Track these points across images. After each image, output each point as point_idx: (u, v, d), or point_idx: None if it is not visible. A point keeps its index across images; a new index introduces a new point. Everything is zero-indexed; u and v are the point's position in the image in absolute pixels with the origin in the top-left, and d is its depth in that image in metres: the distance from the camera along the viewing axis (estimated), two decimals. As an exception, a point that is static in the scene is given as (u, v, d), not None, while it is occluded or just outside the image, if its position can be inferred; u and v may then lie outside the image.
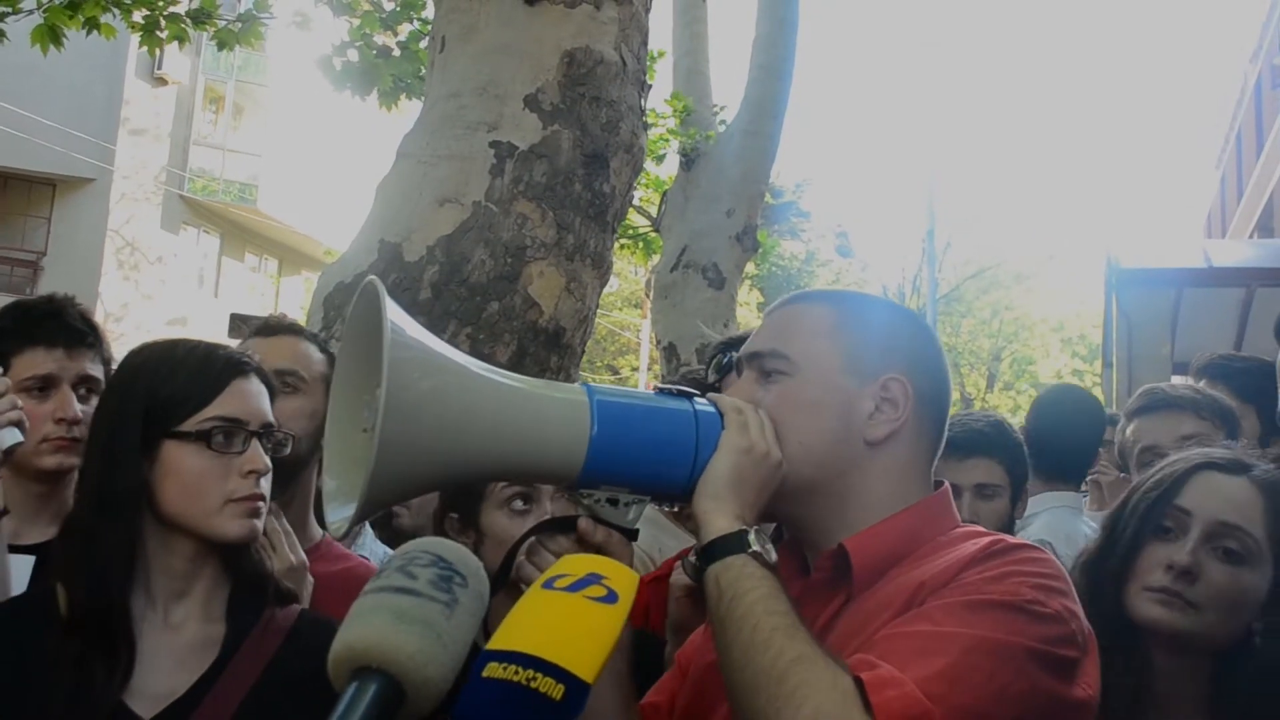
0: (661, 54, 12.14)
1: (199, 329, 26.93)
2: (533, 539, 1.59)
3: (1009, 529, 3.01)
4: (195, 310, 27.89)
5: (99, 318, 2.74)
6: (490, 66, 4.24)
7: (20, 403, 2.28)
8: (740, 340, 2.51)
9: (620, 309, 35.52)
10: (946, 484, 1.68)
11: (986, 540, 1.52)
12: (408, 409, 1.33)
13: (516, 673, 1.15)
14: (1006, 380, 39.68)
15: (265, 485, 1.89)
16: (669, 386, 1.58)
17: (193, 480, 1.83)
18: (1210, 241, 21.21)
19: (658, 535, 3.16)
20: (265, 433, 1.91)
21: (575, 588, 1.27)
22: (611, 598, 1.26)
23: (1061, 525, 3.63)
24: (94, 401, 2.61)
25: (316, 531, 2.48)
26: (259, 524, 1.88)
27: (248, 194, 29.53)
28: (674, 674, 1.78)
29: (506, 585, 1.61)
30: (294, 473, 2.47)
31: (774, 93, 10.58)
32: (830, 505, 1.57)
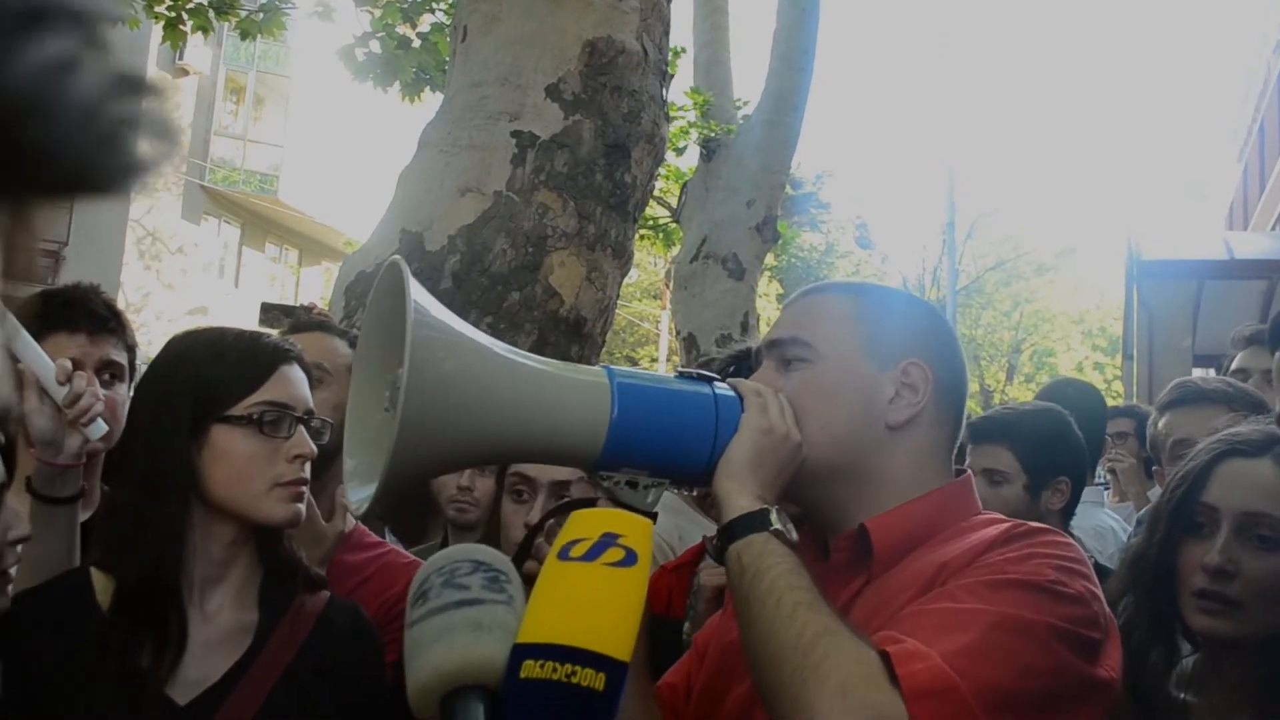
0: (682, 51, 12.13)
1: (219, 319, 27.04)
2: (551, 521, 1.59)
3: (1030, 518, 3.00)
4: (216, 300, 28.02)
5: (119, 307, 2.76)
6: (512, 56, 4.24)
7: (101, 393, 2.30)
8: (749, 354, 2.52)
9: (640, 300, 35.51)
10: (970, 471, 1.69)
11: (1008, 524, 1.53)
12: (429, 388, 1.33)
13: (555, 670, 1.14)
14: (1027, 373, 39.50)
15: (308, 470, 1.92)
16: (689, 371, 1.58)
17: (241, 464, 1.86)
18: (1232, 233, 21.09)
19: (678, 522, 3.17)
20: (308, 419, 1.94)
21: (592, 554, 1.26)
22: (630, 559, 1.26)
23: (1085, 520, 3.63)
24: (117, 387, 2.63)
25: (349, 521, 2.50)
26: (302, 508, 1.91)
27: (268, 184, 29.63)
28: (691, 655, 1.79)
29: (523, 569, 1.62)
30: (325, 463, 2.49)
31: (794, 84, 10.56)
32: (851, 489, 1.58)
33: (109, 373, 2.61)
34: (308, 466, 1.92)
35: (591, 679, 1.13)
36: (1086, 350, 40.14)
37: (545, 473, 2.31)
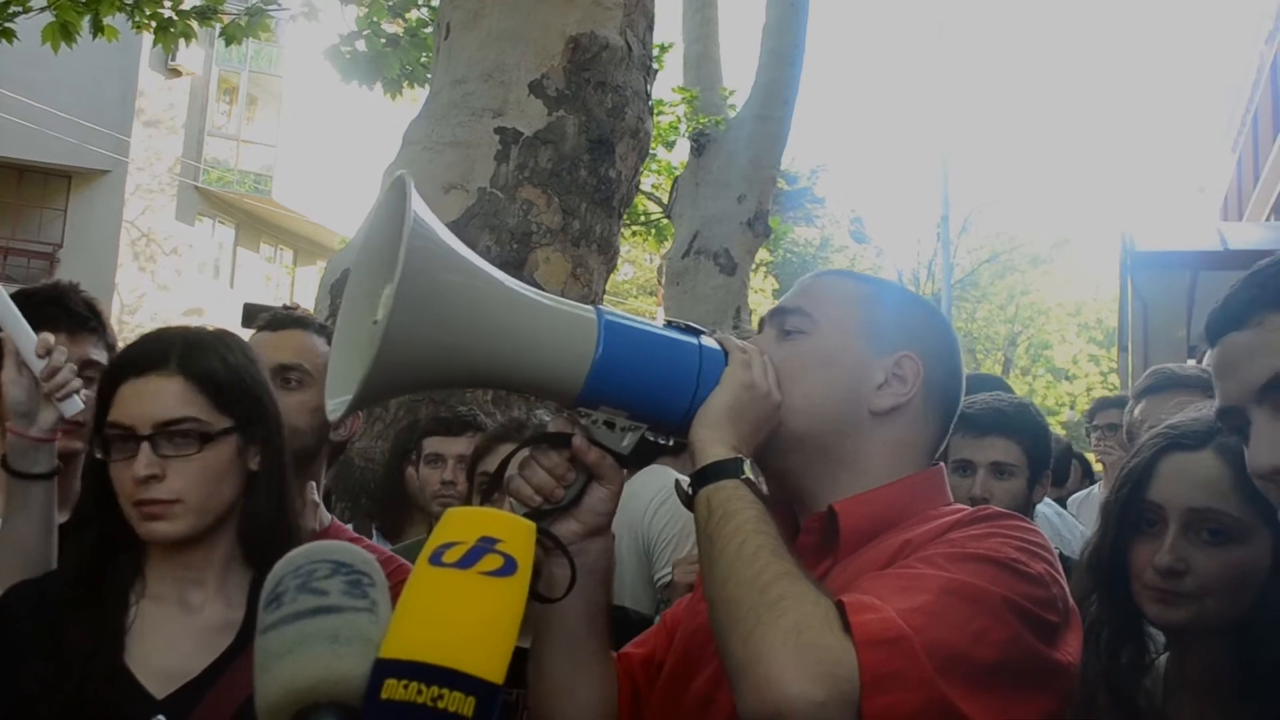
0: (670, 46, 12.13)
1: (215, 319, 26.96)
2: (526, 452, 1.58)
3: (1025, 510, 3.00)
4: (211, 301, 27.97)
5: (115, 309, 2.77)
6: (495, 53, 4.24)
7: (74, 366, 2.31)
8: None
9: (635, 297, 35.52)
10: (942, 464, 1.69)
11: (974, 509, 1.54)
12: (419, 299, 1.32)
13: (420, 692, 1.05)
14: (1023, 365, 39.55)
15: (168, 489, 1.83)
16: (679, 321, 1.59)
17: (116, 487, 1.86)
18: (1227, 224, 21.08)
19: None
20: (163, 432, 1.84)
21: (467, 561, 1.16)
22: (510, 567, 1.17)
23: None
24: (96, 385, 2.63)
25: (325, 517, 2.50)
26: (168, 527, 1.83)
27: (262, 184, 29.59)
28: (659, 630, 1.79)
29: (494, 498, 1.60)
30: (302, 465, 2.48)
31: (785, 78, 10.56)
32: (824, 465, 1.59)
33: (89, 372, 2.61)
34: (164, 486, 1.82)
35: (460, 703, 1.04)
36: (1082, 342, 40.18)
37: None
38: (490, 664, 1.08)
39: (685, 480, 1.53)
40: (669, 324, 1.57)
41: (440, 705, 1.04)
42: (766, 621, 1.27)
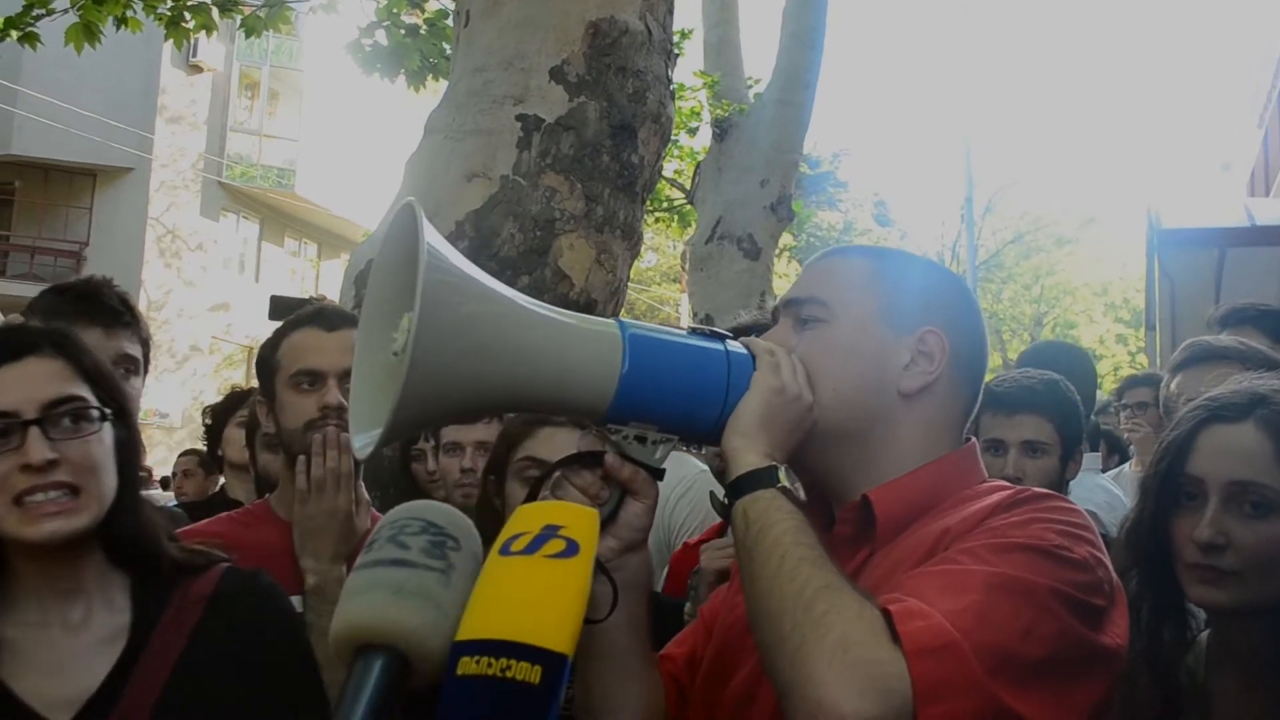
0: (690, 32, 12.10)
1: (241, 314, 27.20)
2: (559, 473, 1.57)
3: (1058, 488, 2.98)
4: (237, 296, 28.14)
5: (142, 305, 2.77)
6: (515, 39, 4.24)
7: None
8: (753, 328, 2.52)
9: (659, 284, 35.50)
10: (974, 440, 1.67)
11: (1012, 490, 1.51)
12: (440, 331, 1.31)
13: (489, 665, 1.12)
14: (1049, 346, 39.31)
15: (60, 474, 1.68)
16: (702, 328, 1.56)
17: None
18: (1254, 200, 20.88)
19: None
20: (51, 415, 1.71)
21: (532, 547, 1.24)
22: (571, 550, 1.23)
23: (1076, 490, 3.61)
24: (133, 380, 2.65)
25: (364, 493, 2.50)
26: (65, 524, 1.68)
27: (285, 179, 29.69)
28: (696, 627, 1.78)
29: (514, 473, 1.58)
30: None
31: (806, 61, 10.52)
32: (859, 455, 1.57)
33: (123, 366, 2.63)
34: (62, 471, 1.68)
35: (527, 672, 1.11)
36: (1109, 322, 39.90)
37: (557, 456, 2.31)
38: (554, 636, 1.14)
39: (719, 490, 1.51)
40: (693, 330, 1.55)
41: (509, 675, 1.11)
42: (812, 639, 1.25)
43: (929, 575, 1.36)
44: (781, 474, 1.46)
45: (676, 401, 1.48)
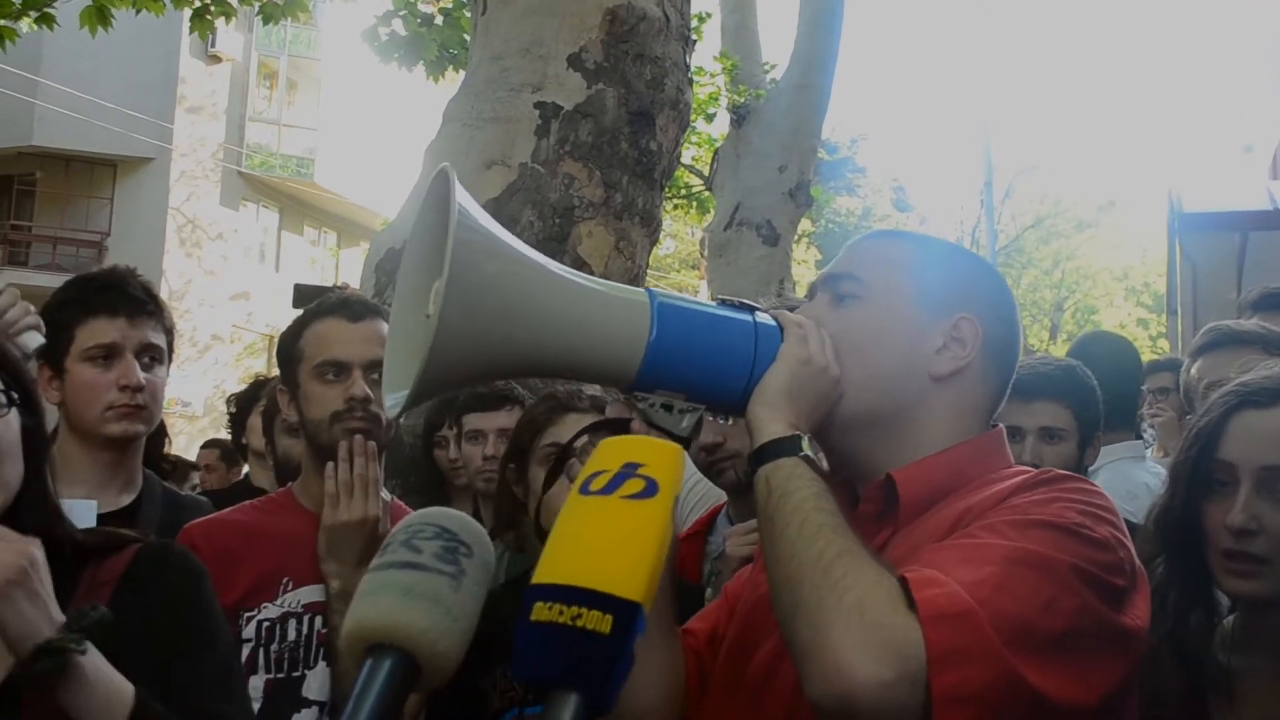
0: (708, 17, 12.07)
1: (261, 303, 27.30)
2: (585, 438, 1.58)
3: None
4: (257, 285, 28.23)
5: (163, 295, 2.78)
6: (532, 27, 4.24)
7: (32, 308, 2.33)
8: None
9: (678, 270, 35.45)
10: (1001, 426, 1.68)
11: (1035, 471, 1.52)
12: (469, 293, 1.33)
13: (560, 612, 1.09)
14: (1070, 331, 39.05)
15: None
16: (731, 299, 1.57)
17: None
18: (1276, 182, 20.71)
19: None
20: None
21: (610, 487, 1.21)
22: (651, 489, 1.20)
23: (1122, 481, 3.59)
24: (157, 369, 2.67)
25: (386, 496, 2.51)
26: None
27: (305, 168, 29.74)
28: (720, 604, 1.78)
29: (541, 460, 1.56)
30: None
31: (823, 46, 10.49)
32: (887, 436, 1.58)
33: (148, 355, 2.64)
34: None
35: (598, 621, 1.08)
36: (1130, 307, 39.70)
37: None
38: (628, 583, 1.11)
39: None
40: (722, 302, 1.56)
41: (579, 624, 1.09)
42: (829, 602, 1.26)
43: (949, 548, 1.37)
44: (805, 443, 1.47)
45: (703, 371, 1.49)
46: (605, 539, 1.17)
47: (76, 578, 1.76)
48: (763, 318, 1.54)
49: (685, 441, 1.53)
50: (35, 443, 1.75)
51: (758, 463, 1.46)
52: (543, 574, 1.14)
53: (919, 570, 1.30)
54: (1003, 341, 1.63)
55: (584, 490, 1.22)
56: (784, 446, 1.45)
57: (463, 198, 1.35)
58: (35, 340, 2.29)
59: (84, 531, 1.85)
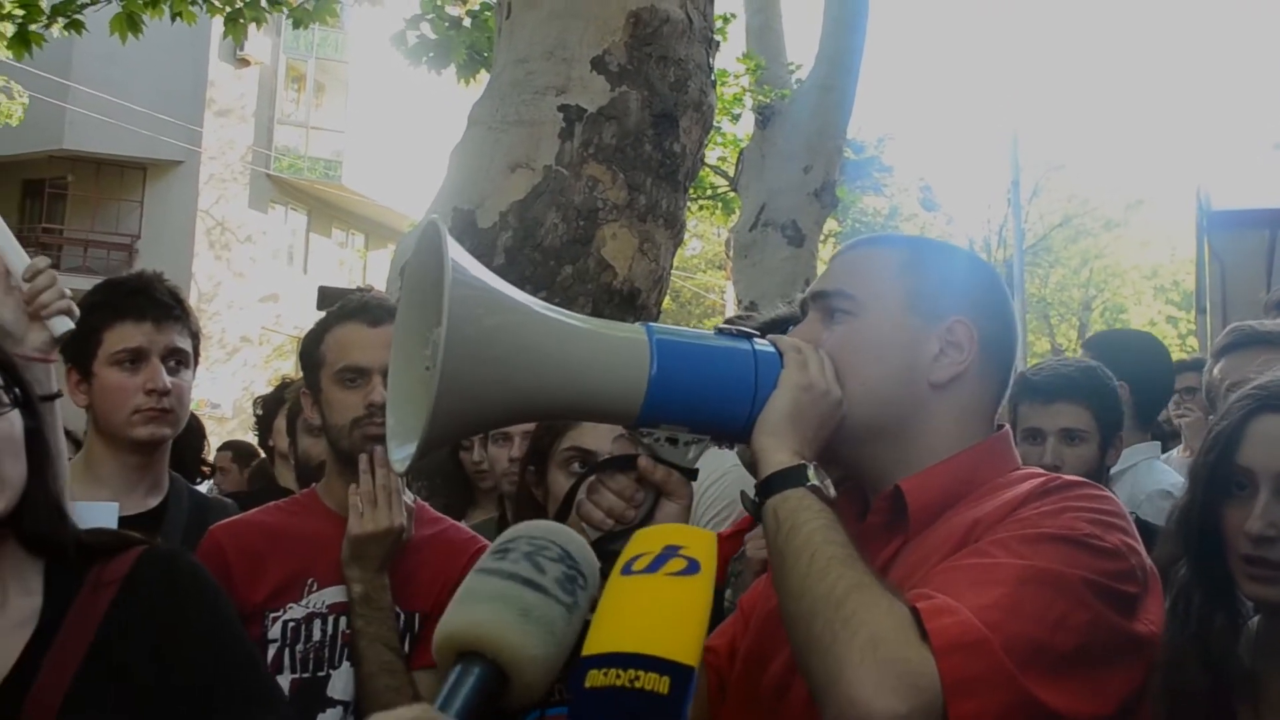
0: (732, 17, 12.06)
1: (289, 305, 27.46)
2: (593, 478, 1.60)
3: (1098, 476, 2.95)
4: (285, 287, 28.39)
5: (192, 297, 2.81)
6: (556, 30, 4.26)
7: (67, 290, 2.37)
8: (789, 320, 2.52)
9: (704, 271, 35.43)
10: (1007, 426, 1.67)
11: (1044, 478, 1.51)
12: (469, 345, 1.34)
13: (618, 676, 1.13)
14: (1098, 330, 38.89)
15: None
16: (729, 327, 1.58)
17: None
18: (1308, 180, 20.54)
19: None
20: None
21: (654, 566, 1.25)
22: (693, 568, 1.24)
23: (1141, 484, 3.58)
24: (183, 373, 2.70)
25: (408, 499, 2.53)
26: None
27: (332, 170, 29.89)
28: (736, 619, 1.79)
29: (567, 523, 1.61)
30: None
31: (848, 46, 10.47)
32: (891, 447, 1.58)
33: (174, 359, 2.67)
34: None
35: (655, 683, 1.12)
36: (1159, 305, 39.39)
37: (601, 445, 2.32)
38: (681, 648, 1.15)
39: (750, 489, 1.52)
40: (719, 330, 1.57)
41: (637, 685, 1.12)
42: (843, 639, 1.27)
43: (959, 569, 1.37)
44: (811, 472, 1.47)
45: (706, 402, 1.51)
46: (655, 610, 1.20)
47: (81, 578, 1.77)
48: (761, 345, 1.55)
49: (692, 474, 1.55)
50: (36, 443, 1.77)
51: (765, 494, 1.46)
52: (595, 645, 1.18)
53: (930, 598, 1.30)
54: (999, 339, 1.63)
55: (626, 571, 1.26)
56: (790, 477, 1.45)
57: (455, 252, 1.36)
58: (64, 325, 2.32)
59: (88, 532, 1.86)
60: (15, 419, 1.73)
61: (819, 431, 1.52)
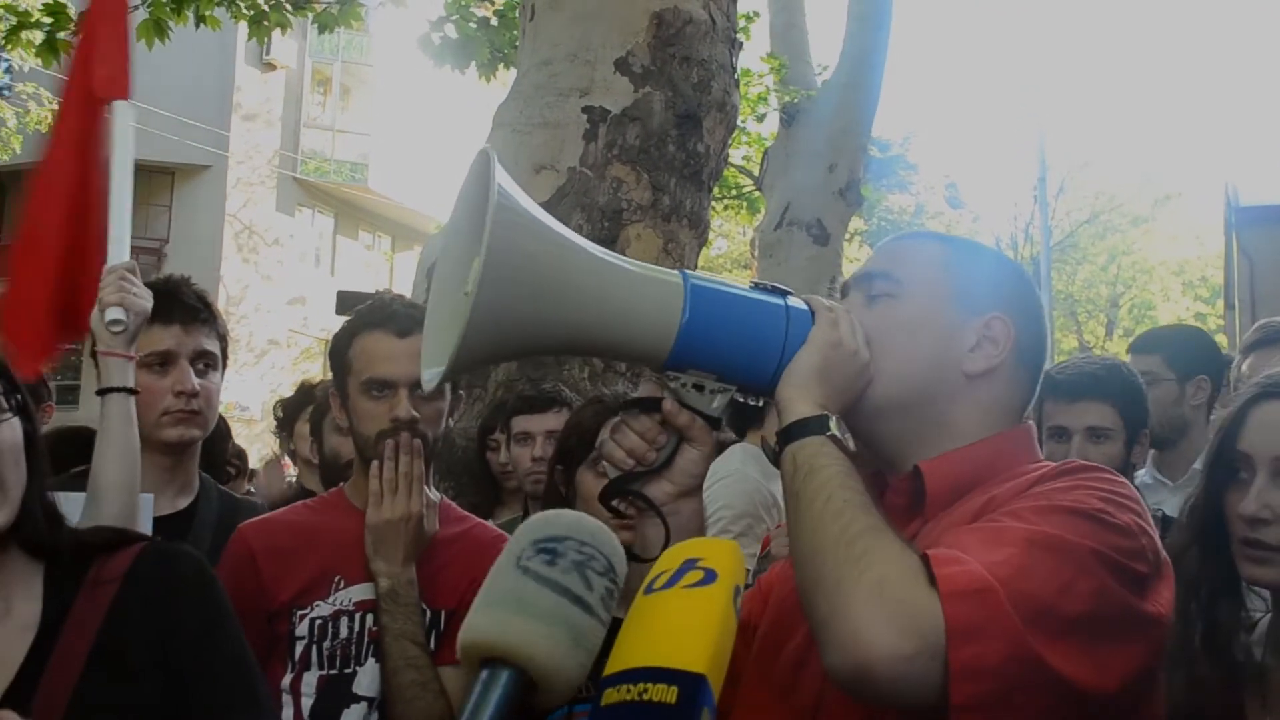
0: (755, 16, 12.05)
1: (317, 307, 27.58)
2: (617, 418, 1.61)
3: (1124, 473, 2.96)
4: (313, 289, 28.51)
5: (221, 300, 2.86)
6: (580, 32, 4.28)
7: (131, 287, 2.44)
8: None
9: (730, 270, 35.41)
10: (1031, 422, 1.69)
11: (1060, 463, 1.53)
12: (506, 270, 1.35)
13: (628, 691, 1.15)
14: (1126, 327, 38.54)
15: None
16: (764, 283, 1.60)
17: None
18: (1338, 175, 20.35)
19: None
20: None
21: (672, 582, 1.26)
22: (710, 578, 1.25)
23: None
24: (211, 375, 2.73)
25: (433, 495, 2.54)
26: None
27: (359, 173, 30.03)
28: (754, 594, 1.80)
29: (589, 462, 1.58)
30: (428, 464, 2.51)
31: (872, 44, 10.45)
32: (916, 426, 1.59)
33: (203, 362, 2.70)
34: None
35: (663, 693, 1.13)
36: (1188, 301, 39.11)
37: None
38: (689, 656, 1.16)
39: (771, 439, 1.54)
40: (755, 285, 1.58)
41: (646, 697, 1.14)
42: (851, 576, 1.28)
43: (971, 531, 1.38)
44: (832, 424, 1.49)
45: (735, 352, 1.52)
46: (666, 623, 1.22)
47: (80, 575, 1.78)
48: (795, 301, 1.56)
49: (715, 422, 1.57)
50: (33, 449, 1.77)
51: (785, 441, 1.48)
52: (611, 666, 1.19)
53: (941, 549, 1.32)
54: (1032, 342, 1.65)
55: (648, 590, 1.27)
56: (811, 425, 1.48)
57: (502, 178, 1.38)
58: (116, 313, 2.40)
59: (88, 530, 1.88)
60: (15, 426, 1.73)
61: (844, 390, 1.54)
